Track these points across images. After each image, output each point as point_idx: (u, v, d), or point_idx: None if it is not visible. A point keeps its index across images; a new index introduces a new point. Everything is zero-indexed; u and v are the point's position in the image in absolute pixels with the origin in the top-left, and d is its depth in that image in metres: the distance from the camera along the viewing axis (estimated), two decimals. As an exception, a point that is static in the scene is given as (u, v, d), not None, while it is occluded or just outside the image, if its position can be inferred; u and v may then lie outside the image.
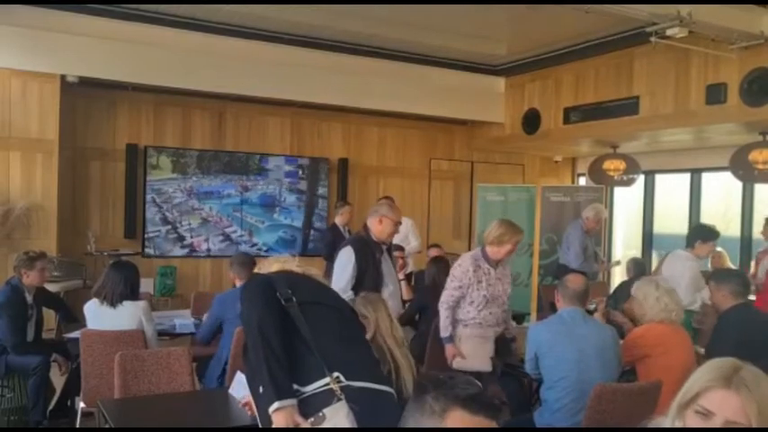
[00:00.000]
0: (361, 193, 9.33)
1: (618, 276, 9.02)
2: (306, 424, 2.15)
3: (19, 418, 4.56)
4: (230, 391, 3.21)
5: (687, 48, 6.36)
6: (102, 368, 3.96)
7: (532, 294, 8.94)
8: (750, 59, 6.37)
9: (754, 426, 1.48)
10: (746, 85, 6.43)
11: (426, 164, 9.85)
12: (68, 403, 4.66)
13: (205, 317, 4.57)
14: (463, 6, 6.85)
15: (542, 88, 8.88)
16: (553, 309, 4.18)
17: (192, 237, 8.34)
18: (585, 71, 8.24)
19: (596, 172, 8.95)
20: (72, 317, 5.03)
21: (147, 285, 6.74)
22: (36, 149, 6.97)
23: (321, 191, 9.07)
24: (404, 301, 5.20)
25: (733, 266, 7.06)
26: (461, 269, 4.26)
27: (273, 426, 2.16)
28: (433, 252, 6.55)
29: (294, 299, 2.34)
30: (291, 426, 2.14)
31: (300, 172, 8.96)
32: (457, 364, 4.22)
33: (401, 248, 6.37)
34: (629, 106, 7.60)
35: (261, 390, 2.23)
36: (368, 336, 2.90)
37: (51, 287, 5.58)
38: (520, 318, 6.23)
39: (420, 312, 5.57)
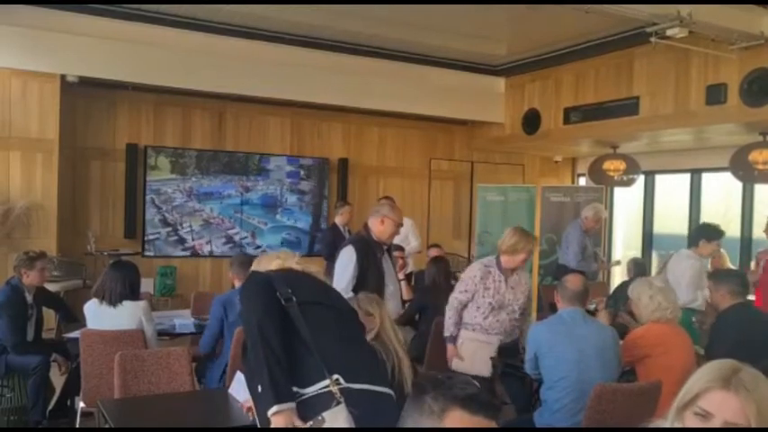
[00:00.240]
0: (361, 194, 9.33)
1: (618, 277, 9.02)
2: (305, 427, 2.15)
3: (19, 418, 4.56)
4: (230, 391, 3.21)
5: (687, 48, 6.36)
6: (101, 368, 3.96)
7: (532, 294, 8.92)
8: (750, 60, 6.37)
9: (754, 427, 1.48)
10: (746, 86, 6.43)
11: (426, 164, 9.85)
12: (68, 403, 4.66)
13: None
14: (463, 6, 6.85)
15: (542, 88, 8.88)
16: (553, 309, 4.18)
17: (193, 239, 8.33)
18: (585, 71, 8.23)
19: (596, 172, 8.95)
20: (72, 317, 5.03)
21: (147, 285, 6.73)
22: (36, 149, 6.97)
23: (324, 191, 9.07)
24: (404, 302, 5.21)
25: (733, 267, 7.06)
26: (469, 274, 4.31)
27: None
28: (433, 252, 6.55)
29: (294, 299, 2.32)
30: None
31: (302, 172, 8.96)
32: (455, 365, 4.23)
33: (401, 248, 6.37)
34: (629, 106, 7.60)
35: (260, 389, 2.22)
36: (373, 333, 2.90)
37: (51, 287, 5.57)
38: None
39: (420, 312, 5.58)
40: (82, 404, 4.11)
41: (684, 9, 5.46)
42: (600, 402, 3.13)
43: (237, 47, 7.65)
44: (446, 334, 4.33)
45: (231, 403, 3.12)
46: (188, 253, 8.30)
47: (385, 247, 4.28)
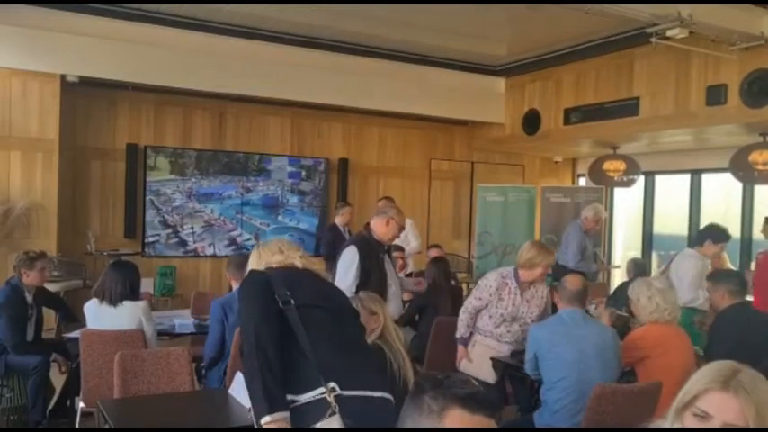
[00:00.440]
0: (361, 194, 9.33)
1: (618, 278, 9.02)
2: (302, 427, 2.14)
3: (18, 418, 4.55)
4: (230, 391, 3.21)
5: (687, 49, 6.36)
6: (101, 368, 3.96)
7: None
8: (750, 60, 6.37)
9: (753, 428, 1.48)
10: (746, 87, 6.43)
11: (426, 164, 9.85)
12: (68, 403, 4.66)
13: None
14: (463, 6, 6.85)
15: (542, 89, 8.88)
16: (553, 309, 4.19)
17: (195, 242, 8.34)
18: (586, 72, 8.24)
19: (596, 173, 8.95)
20: (72, 317, 5.02)
21: (147, 285, 6.73)
22: (36, 149, 6.97)
23: (325, 192, 9.08)
24: (403, 302, 5.21)
25: (733, 267, 7.06)
26: (485, 283, 4.31)
27: None
28: (433, 252, 6.55)
29: (292, 302, 2.30)
30: None
31: (303, 173, 8.95)
32: (463, 366, 4.24)
33: (401, 249, 6.38)
34: (629, 107, 7.60)
35: (254, 397, 2.22)
36: (377, 332, 2.90)
37: (51, 287, 5.57)
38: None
39: (420, 312, 5.58)
40: (82, 404, 4.10)
41: (685, 10, 5.46)
42: (600, 403, 3.13)
43: (237, 47, 7.65)
44: (457, 335, 4.35)
45: (231, 403, 3.11)
46: (189, 254, 8.29)
47: (386, 248, 4.30)
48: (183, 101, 8.21)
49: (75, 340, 4.22)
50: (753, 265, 6.90)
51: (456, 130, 10.03)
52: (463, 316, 4.34)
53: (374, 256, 4.14)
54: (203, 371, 4.36)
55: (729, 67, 6.54)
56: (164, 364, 3.52)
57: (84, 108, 7.74)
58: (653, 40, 5.87)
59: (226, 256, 8.10)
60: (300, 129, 9.03)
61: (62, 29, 6.83)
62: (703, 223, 8.80)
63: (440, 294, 5.46)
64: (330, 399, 2.15)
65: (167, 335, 4.76)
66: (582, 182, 10.84)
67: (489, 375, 4.20)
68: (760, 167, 6.90)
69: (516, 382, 4.34)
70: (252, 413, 2.29)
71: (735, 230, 8.30)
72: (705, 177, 8.97)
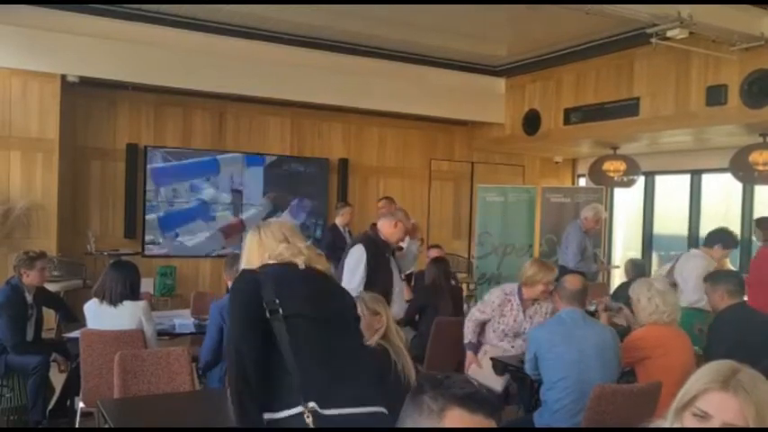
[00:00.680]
0: (361, 194, 9.33)
1: (618, 278, 9.02)
2: None
3: (18, 418, 4.56)
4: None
5: (687, 49, 6.36)
6: (101, 368, 3.96)
7: None
8: (750, 61, 6.37)
9: (752, 427, 1.48)
10: (747, 87, 6.43)
11: (426, 164, 9.85)
12: (68, 403, 4.65)
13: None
14: (463, 7, 6.85)
15: (543, 89, 8.88)
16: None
17: (195, 242, 8.33)
18: (586, 72, 8.24)
19: (596, 173, 8.95)
20: (72, 317, 5.02)
21: (147, 285, 6.73)
22: (36, 149, 6.98)
23: (325, 192, 9.08)
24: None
25: (733, 268, 7.06)
26: (489, 298, 4.41)
27: None
28: (434, 253, 6.54)
29: (280, 311, 2.20)
30: None
31: (309, 173, 8.93)
32: (473, 372, 4.28)
33: (400, 248, 6.37)
34: (629, 107, 7.60)
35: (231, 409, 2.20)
36: (380, 333, 2.89)
37: (51, 287, 5.57)
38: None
39: (420, 312, 5.58)
40: (82, 404, 4.10)
41: (685, 10, 5.46)
42: (600, 403, 3.13)
43: (238, 47, 7.65)
44: (465, 341, 4.42)
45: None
46: (188, 253, 8.29)
47: (392, 248, 4.40)
48: (182, 101, 8.21)
49: (75, 340, 4.22)
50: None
51: (456, 130, 10.03)
52: (468, 323, 4.43)
53: (381, 255, 4.22)
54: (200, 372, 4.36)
55: (729, 68, 6.54)
56: (164, 364, 3.52)
57: (85, 108, 7.74)
58: (653, 40, 5.87)
59: (225, 256, 8.10)
60: (300, 129, 9.03)
61: (62, 29, 6.83)
62: (703, 223, 8.85)
63: (440, 294, 5.46)
64: (309, 421, 2.07)
65: (167, 335, 4.75)
66: (582, 182, 10.84)
67: (496, 383, 4.22)
68: (760, 168, 6.90)
69: (517, 382, 4.35)
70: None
71: (735, 231, 8.30)
72: (705, 178, 8.97)
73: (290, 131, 8.98)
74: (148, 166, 8.04)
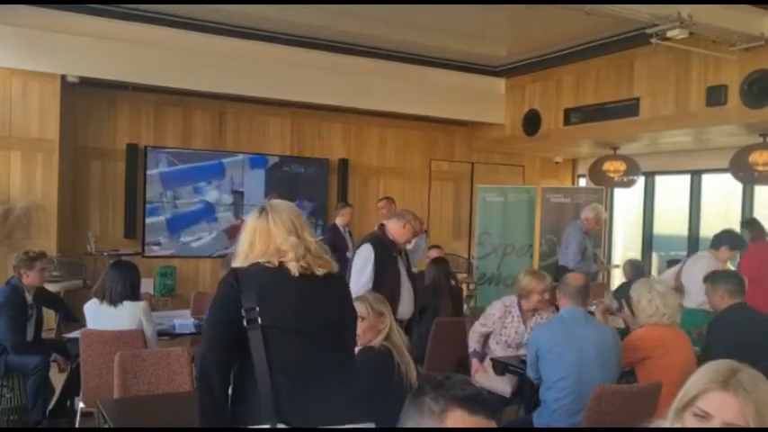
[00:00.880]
0: (361, 194, 9.33)
1: (618, 278, 9.02)
2: None
3: (18, 418, 4.56)
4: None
5: (687, 49, 6.37)
6: (101, 368, 3.96)
7: None
8: (750, 61, 6.37)
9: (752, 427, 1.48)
10: (747, 87, 6.43)
11: (426, 165, 9.85)
12: (68, 403, 4.66)
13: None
14: (463, 7, 6.85)
15: (543, 89, 8.88)
16: (555, 308, 4.20)
17: (196, 242, 8.32)
18: (586, 72, 8.24)
19: (596, 173, 8.95)
20: (72, 317, 5.02)
21: (147, 285, 6.73)
22: (36, 149, 6.98)
23: (325, 192, 9.07)
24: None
25: (733, 268, 7.06)
26: (490, 311, 4.47)
27: None
28: (434, 253, 6.54)
29: (259, 320, 2.07)
30: None
31: (309, 174, 8.93)
32: (480, 378, 4.31)
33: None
34: (629, 108, 7.60)
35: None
36: (383, 334, 2.89)
37: (51, 287, 5.57)
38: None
39: (420, 313, 5.58)
40: (81, 404, 4.10)
41: (685, 10, 5.46)
42: (600, 403, 3.13)
43: (237, 47, 7.66)
44: (470, 350, 4.47)
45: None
46: (183, 252, 8.29)
47: (399, 248, 4.47)
48: (182, 101, 8.21)
49: (75, 340, 4.22)
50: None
51: (456, 130, 10.03)
52: (472, 335, 4.49)
53: (388, 254, 4.27)
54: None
55: (729, 68, 6.54)
56: (164, 365, 3.52)
57: (85, 108, 7.75)
58: (653, 40, 5.87)
59: (223, 257, 8.11)
60: (300, 129, 9.03)
61: (62, 29, 6.84)
62: (703, 224, 8.84)
63: (440, 295, 5.46)
64: None
65: (167, 335, 4.75)
66: (582, 182, 10.84)
67: (504, 388, 4.24)
68: (760, 168, 6.90)
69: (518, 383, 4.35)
70: None
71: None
72: (705, 178, 8.97)
73: (291, 132, 8.98)
74: (157, 171, 8.06)
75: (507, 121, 9.46)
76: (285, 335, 2.11)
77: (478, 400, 1.24)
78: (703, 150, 8.63)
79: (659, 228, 9.64)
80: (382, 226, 4.54)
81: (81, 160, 7.79)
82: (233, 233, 8.49)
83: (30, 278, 4.56)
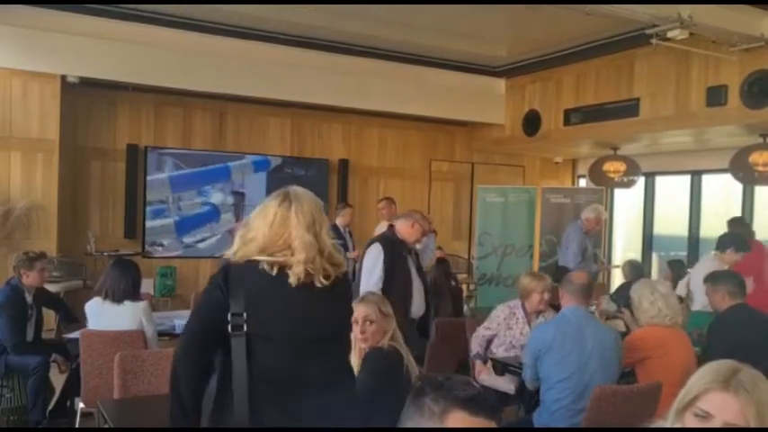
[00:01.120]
0: (361, 195, 9.33)
1: (617, 278, 9.02)
2: None
3: (18, 418, 4.56)
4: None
5: (688, 50, 6.37)
6: (101, 368, 3.96)
7: None
8: (750, 61, 6.37)
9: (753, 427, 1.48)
10: (747, 87, 6.43)
11: (427, 165, 9.85)
12: (68, 403, 4.66)
13: None
14: (463, 7, 6.84)
15: (543, 90, 8.88)
16: (554, 310, 4.20)
17: (197, 242, 8.32)
18: (586, 73, 8.24)
19: (597, 173, 8.95)
20: (72, 317, 5.02)
21: (147, 286, 6.73)
22: (36, 149, 6.98)
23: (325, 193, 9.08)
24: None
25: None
26: (495, 314, 4.49)
27: None
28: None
29: (245, 327, 1.92)
30: None
31: (310, 176, 8.93)
32: (484, 377, 4.31)
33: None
34: (629, 108, 7.60)
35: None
36: (389, 335, 2.89)
37: (51, 287, 5.57)
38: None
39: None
40: (82, 404, 4.10)
41: (685, 11, 5.46)
42: (600, 404, 3.13)
43: (236, 47, 7.65)
44: (472, 353, 4.48)
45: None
46: (189, 253, 8.29)
47: (409, 247, 4.50)
48: (183, 101, 8.21)
49: (75, 340, 4.22)
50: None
51: (456, 130, 10.03)
52: (474, 339, 4.50)
53: (398, 254, 4.30)
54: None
55: (730, 68, 6.54)
56: (164, 365, 3.51)
57: (85, 108, 7.74)
58: (653, 41, 5.87)
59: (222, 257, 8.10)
60: (300, 129, 9.03)
61: (61, 29, 6.83)
62: (704, 224, 8.84)
63: (440, 295, 5.47)
64: None
65: (167, 335, 4.76)
66: (582, 183, 10.84)
67: (508, 386, 4.25)
68: (760, 168, 6.90)
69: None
70: None
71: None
72: (705, 178, 8.97)
73: (291, 132, 8.98)
74: (166, 174, 8.08)
75: (507, 122, 9.45)
76: (271, 345, 1.95)
77: (479, 401, 1.24)
78: (703, 151, 8.63)
79: (659, 228, 9.64)
80: (391, 226, 4.59)
81: (81, 160, 7.79)
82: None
83: (30, 278, 4.57)
